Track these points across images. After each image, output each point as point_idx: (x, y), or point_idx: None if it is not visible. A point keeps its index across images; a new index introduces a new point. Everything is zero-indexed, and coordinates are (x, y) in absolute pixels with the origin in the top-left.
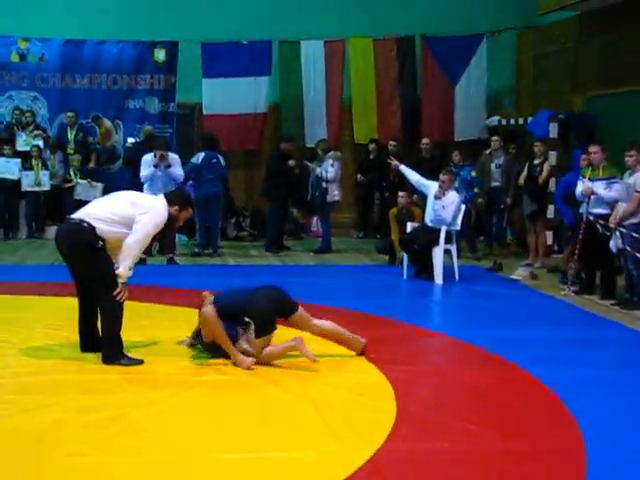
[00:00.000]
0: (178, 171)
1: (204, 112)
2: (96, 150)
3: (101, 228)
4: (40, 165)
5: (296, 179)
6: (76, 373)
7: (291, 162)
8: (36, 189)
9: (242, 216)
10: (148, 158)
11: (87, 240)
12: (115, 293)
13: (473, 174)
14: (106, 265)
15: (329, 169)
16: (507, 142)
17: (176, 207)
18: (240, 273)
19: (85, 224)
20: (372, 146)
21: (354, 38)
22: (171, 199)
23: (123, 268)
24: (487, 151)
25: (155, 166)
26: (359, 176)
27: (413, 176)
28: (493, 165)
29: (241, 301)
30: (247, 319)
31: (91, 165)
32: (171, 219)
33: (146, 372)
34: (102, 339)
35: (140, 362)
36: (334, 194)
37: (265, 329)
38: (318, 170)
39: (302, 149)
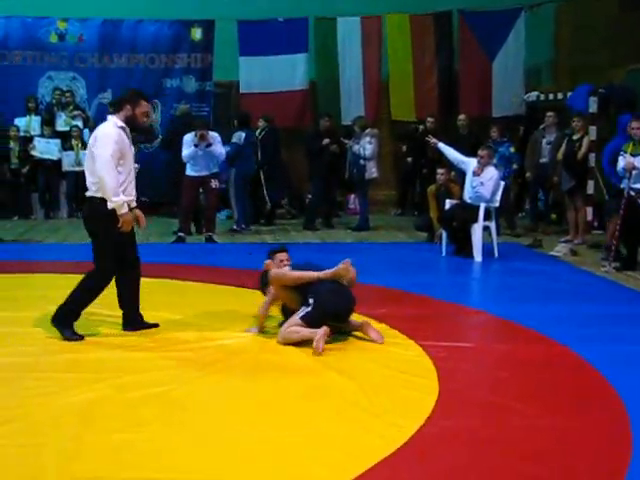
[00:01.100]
0: (219, 149)
1: (241, 90)
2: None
3: (98, 195)
4: (80, 145)
5: (334, 157)
6: (114, 350)
7: (325, 140)
8: (76, 169)
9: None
10: (189, 138)
11: (94, 212)
12: (119, 226)
13: (512, 150)
14: (104, 236)
15: (367, 146)
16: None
17: (127, 107)
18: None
19: (90, 197)
20: (421, 126)
21: (391, 14)
22: (117, 106)
23: (109, 202)
24: (541, 126)
25: (196, 145)
26: (404, 148)
27: (451, 153)
28: (544, 141)
29: (310, 282)
30: (310, 301)
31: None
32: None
33: (190, 349)
34: (66, 300)
35: (81, 338)
36: (372, 171)
37: (312, 323)
38: (356, 147)
39: (338, 127)
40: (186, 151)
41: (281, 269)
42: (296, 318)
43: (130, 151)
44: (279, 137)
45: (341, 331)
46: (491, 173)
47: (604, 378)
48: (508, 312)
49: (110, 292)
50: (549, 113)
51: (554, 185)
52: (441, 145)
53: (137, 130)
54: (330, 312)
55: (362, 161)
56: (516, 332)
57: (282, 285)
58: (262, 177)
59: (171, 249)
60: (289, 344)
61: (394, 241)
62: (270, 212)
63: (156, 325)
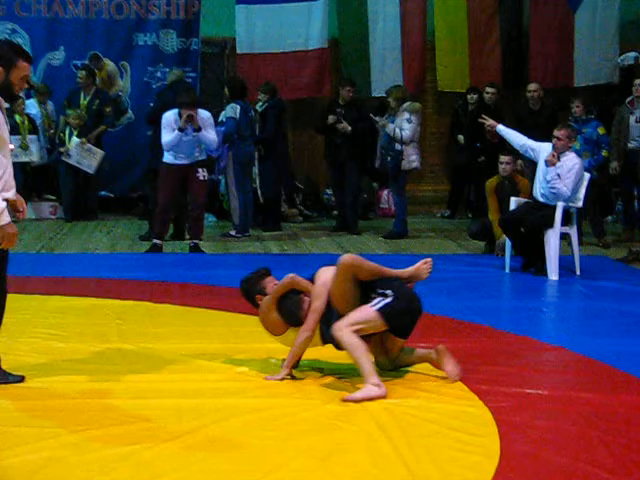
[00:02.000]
0: (211, 135)
1: (238, 50)
2: (109, 124)
3: None
4: (26, 123)
5: (359, 139)
6: (69, 396)
7: (331, 118)
8: (23, 159)
9: (295, 190)
10: (170, 117)
11: None
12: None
13: (600, 131)
14: None
15: (405, 126)
16: None
17: None
18: (285, 264)
19: None
20: (473, 96)
21: None
22: None
23: None
24: (628, 100)
25: (180, 130)
26: (460, 137)
27: (516, 138)
28: (633, 119)
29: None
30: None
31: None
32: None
33: (171, 395)
34: None
35: (20, 379)
36: (411, 159)
37: (391, 320)
38: (390, 127)
39: (368, 99)
40: (167, 137)
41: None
42: (370, 310)
43: (6, 130)
44: (284, 113)
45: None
46: (572, 162)
47: None
48: (595, 349)
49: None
50: (636, 81)
51: None
52: (502, 128)
53: (11, 100)
54: (413, 309)
55: (398, 145)
56: (607, 376)
57: (349, 277)
58: (256, 165)
59: (144, 261)
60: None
61: (441, 252)
62: (276, 212)
63: (20, 379)
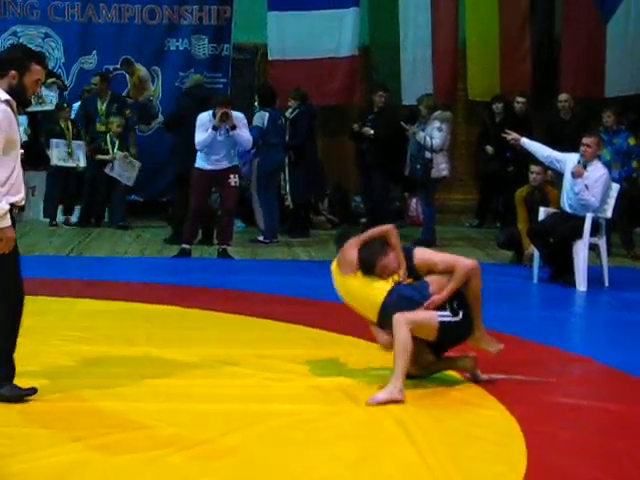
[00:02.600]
0: (245, 134)
1: (270, 57)
2: (133, 125)
3: None
4: (70, 127)
5: (390, 145)
6: (91, 399)
7: (355, 126)
8: (70, 164)
9: (322, 196)
10: (204, 118)
11: None
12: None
13: (631, 142)
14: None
15: (435, 134)
16: None
17: (12, 73)
18: (314, 271)
19: None
20: (498, 105)
21: None
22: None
23: None
24: None
25: (215, 128)
26: (489, 148)
27: (540, 150)
28: None
29: None
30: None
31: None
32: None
33: (201, 400)
34: None
35: (32, 392)
36: (441, 168)
37: (441, 338)
38: (420, 135)
39: (399, 107)
40: (201, 135)
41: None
42: (435, 318)
43: (17, 132)
44: (315, 119)
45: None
46: (599, 172)
47: None
48: (622, 361)
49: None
50: None
51: None
52: (525, 141)
53: (24, 104)
54: (464, 337)
55: (428, 154)
56: (634, 388)
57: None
58: (286, 170)
59: (173, 265)
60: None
61: None
62: (305, 219)
63: (33, 391)
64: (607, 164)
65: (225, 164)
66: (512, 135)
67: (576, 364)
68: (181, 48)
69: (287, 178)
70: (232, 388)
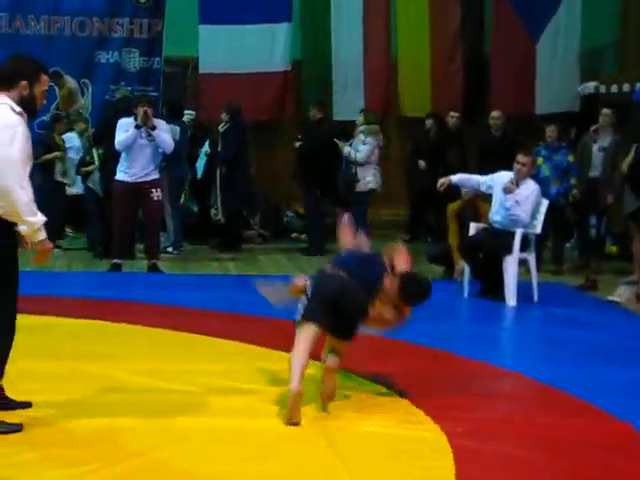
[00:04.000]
0: (167, 136)
1: (200, 70)
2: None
3: None
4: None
5: (328, 162)
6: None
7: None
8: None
9: (252, 211)
10: (126, 120)
11: None
12: (35, 258)
13: (570, 159)
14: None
15: (360, 147)
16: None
17: (23, 84)
18: (244, 285)
19: None
20: (430, 121)
21: None
22: (8, 82)
23: (23, 224)
24: (592, 128)
25: (137, 127)
26: (421, 162)
27: (469, 182)
28: (595, 148)
29: None
30: None
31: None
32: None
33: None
34: None
35: (17, 429)
36: (366, 181)
37: None
38: (346, 150)
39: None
40: (121, 135)
41: None
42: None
43: (30, 147)
44: (246, 134)
45: None
46: (529, 188)
47: None
48: (551, 375)
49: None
50: (604, 110)
51: (609, 207)
52: (455, 179)
53: (32, 115)
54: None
55: (353, 167)
56: (562, 402)
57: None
58: (218, 184)
59: (102, 280)
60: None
61: None
62: (236, 233)
63: (27, 405)
64: (546, 180)
65: (146, 177)
66: (441, 180)
67: (505, 379)
68: (111, 61)
69: (218, 192)
70: (160, 403)
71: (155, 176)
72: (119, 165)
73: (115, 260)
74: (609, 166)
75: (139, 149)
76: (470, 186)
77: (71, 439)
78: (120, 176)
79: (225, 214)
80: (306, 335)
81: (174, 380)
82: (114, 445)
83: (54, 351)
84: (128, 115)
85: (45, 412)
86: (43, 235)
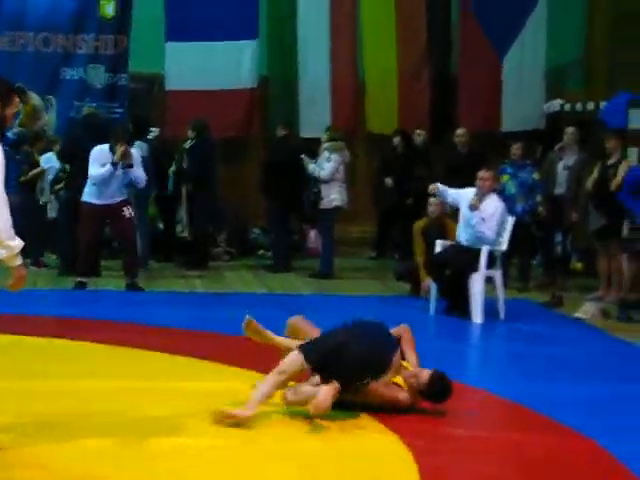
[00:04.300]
0: (141, 173)
1: (167, 87)
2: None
3: None
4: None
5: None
6: None
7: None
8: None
9: (219, 228)
10: (99, 152)
11: None
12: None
13: (535, 177)
14: None
15: (324, 165)
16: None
17: None
18: (213, 303)
19: None
20: (396, 139)
21: None
22: None
23: (3, 249)
24: (557, 146)
25: (114, 164)
26: (388, 180)
27: (447, 194)
28: (560, 165)
29: None
30: None
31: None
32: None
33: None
34: None
35: None
36: (331, 198)
37: None
38: (310, 167)
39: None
40: (97, 170)
41: None
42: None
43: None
44: (213, 150)
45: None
46: (494, 205)
47: None
48: (515, 392)
49: None
50: (568, 129)
51: (574, 224)
52: (440, 189)
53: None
54: None
55: (318, 185)
56: (525, 418)
57: None
58: (184, 201)
59: (68, 298)
60: None
61: (367, 294)
62: (204, 251)
63: None
64: (512, 197)
65: (117, 199)
66: (433, 185)
67: (470, 395)
68: (76, 77)
69: (185, 210)
70: (126, 423)
71: (124, 197)
72: (87, 188)
73: (80, 278)
74: (574, 184)
75: (112, 179)
76: (447, 196)
77: (36, 460)
78: (88, 198)
79: (192, 231)
80: (290, 364)
81: (141, 399)
82: (79, 465)
83: (21, 369)
84: (97, 134)
85: (8, 433)
86: (20, 260)
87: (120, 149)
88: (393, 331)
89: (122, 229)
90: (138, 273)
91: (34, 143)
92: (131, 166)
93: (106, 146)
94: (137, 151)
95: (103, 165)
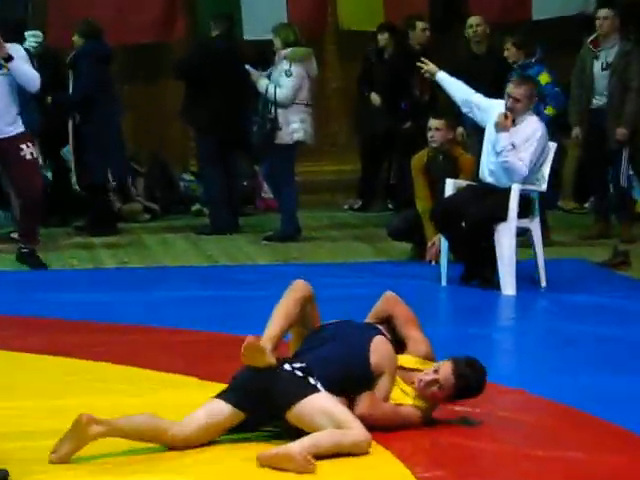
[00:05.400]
0: (28, 69)
1: None
2: None
3: None
4: None
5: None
6: None
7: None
8: None
9: (131, 175)
10: None
11: None
12: None
13: (542, 80)
14: None
15: (282, 81)
16: (626, 23)
17: None
18: (128, 283)
19: None
20: (383, 37)
21: None
22: None
23: None
24: (588, 39)
25: None
26: (374, 96)
27: (458, 92)
28: (598, 66)
29: None
30: None
31: None
32: None
33: None
34: None
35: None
36: (292, 129)
37: None
38: (262, 84)
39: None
40: None
41: None
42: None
43: None
44: (108, 62)
45: None
46: (531, 127)
47: None
48: (565, 390)
49: None
50: (603, 12)
51: (626, 144)
52: (443, 76)
53: None
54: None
55: (272, 109)
56: (585, 427)
57: None
58: (71, 141)
59: None
60: None
61: (350, 260)
62: (104, 207)
63: None
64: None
65: (9, 130)
66: (429, 66)
67: (503, 397)
68: None
69: (71, 149)
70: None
71: (20, 128)
72: None
73: None
74: (618, 89)
75: None
76: (456, 93)
77: None
78: None
79: (81, 181)
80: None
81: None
82: None
83: None
84: None
85: None
86: None
87: None
88: (373, 312)
89: (21, 175)
90: (39, 239)
91: None
92: (10, 59)
93: None
94: (19, 46)
95: None
